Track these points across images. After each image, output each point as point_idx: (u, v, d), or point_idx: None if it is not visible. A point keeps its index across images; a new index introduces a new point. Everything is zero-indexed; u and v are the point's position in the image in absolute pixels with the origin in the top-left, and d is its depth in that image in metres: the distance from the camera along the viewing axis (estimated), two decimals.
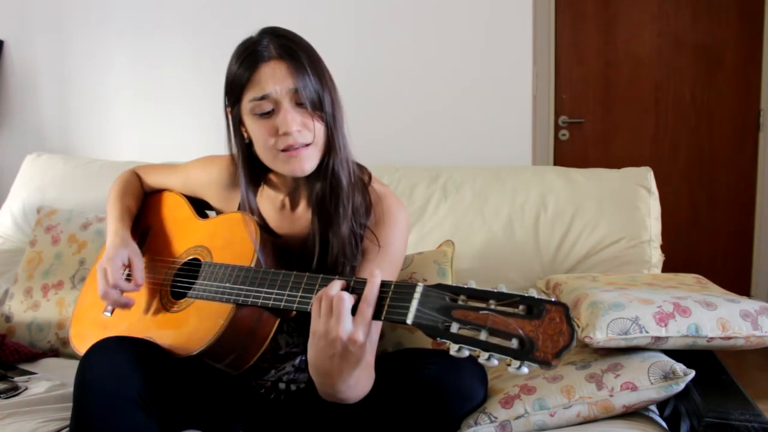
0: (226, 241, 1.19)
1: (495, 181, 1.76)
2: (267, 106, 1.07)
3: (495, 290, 0.81)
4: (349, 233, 1.12)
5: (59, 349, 1.68)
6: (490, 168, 1.83)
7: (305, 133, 1.08)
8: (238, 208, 1.27)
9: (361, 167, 1.23)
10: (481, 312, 0.80)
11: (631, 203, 1.64)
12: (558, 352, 0.74)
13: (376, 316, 0.90)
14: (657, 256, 1.62)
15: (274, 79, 1.06)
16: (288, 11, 2.37)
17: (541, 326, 0.76)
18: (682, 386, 1.11)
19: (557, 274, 1.62)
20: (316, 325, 0.92)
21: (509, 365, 0.76)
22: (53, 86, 2.75)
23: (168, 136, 2.64)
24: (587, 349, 1.26)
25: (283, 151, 1.08)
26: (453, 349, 0.79)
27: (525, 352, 0.76)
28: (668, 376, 1.11)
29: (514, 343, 0.76)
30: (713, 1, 2.74)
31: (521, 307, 0.78)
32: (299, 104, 1.07)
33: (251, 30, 1.13)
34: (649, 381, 1.11)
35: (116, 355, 1.03)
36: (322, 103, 1.07)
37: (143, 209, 1.41)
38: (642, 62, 2.79)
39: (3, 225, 2.11)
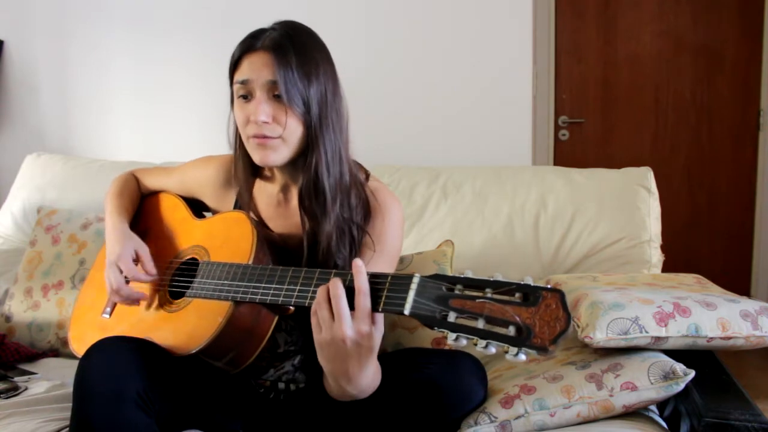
0: (224, 240, 1.20)
1: (495, 181, 1.76)
2: (245, 91, 1.10)
3: (491, 279, 0.81)
4: (336, 231, 1.12)
5: (59, 349, 1.68)
6: (490, 168, 1.83)
7: (274, 127, 1.08)
8: (234, 207, 1.28)
9: (358, 166, 1.23)
10: (477, 300, 0.80)
11: (631, 203, 1.64)
12: (555, 337, 0.75)
13: (373, 308, 0.90)
14: (657, 256, 1.62)
15: (253, 67, 1.08)
16: (289, 12, 2.38)
17: (538, 313, 0.76)
18: (682, 386, 1.11)
19: (557, 274, 1.62)
20: (321, 335, 0.91)
21: (507, 352, 0.76)
22: (53, 86, 2.76)
23: (168, 136, 2.65)
24: (587, 349, 1.26)
25: (254, 137, 1.10)
26: (450, 337, 0.80)
27: (522, 339, 0.76)
28: (668, 376, 1.11)
29: (511, 331, 0.77)
30: (713, 1, 2.73)
31: (517, 294, 0.79)
32: (276, 96, 1.07)
33: (251, 30, 1.13)
34: (649, 381, 1.11)
35: (116, 355, 1.03)
36: (303, 100, 1.07)
37: (140, 211, 1.42)
38: (642, 62, 2.79)
39: (3, 225, 2.11)
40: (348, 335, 0.89)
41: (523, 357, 0.76)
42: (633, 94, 2.81)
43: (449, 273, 1.44)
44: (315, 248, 1.13)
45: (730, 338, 1.16)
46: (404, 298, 0.86)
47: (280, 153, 1.10)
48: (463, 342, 0.79)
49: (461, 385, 1.10)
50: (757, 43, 2.75)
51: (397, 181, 1.83)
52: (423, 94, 2.41)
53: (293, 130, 1.09)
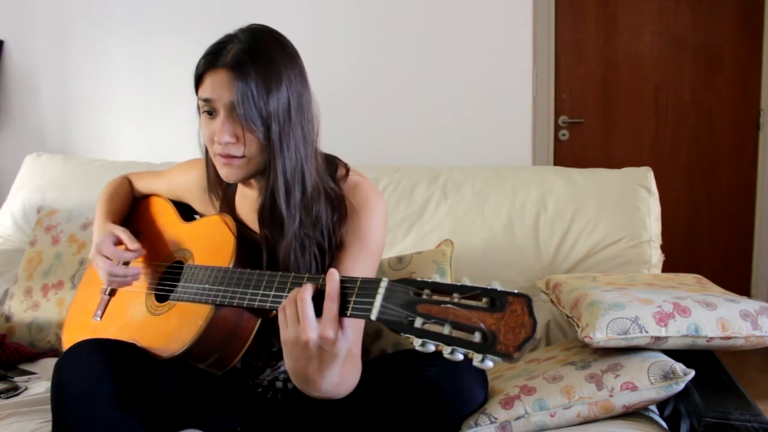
0: (207, 243, 1.21)
1: (495, 181, 1.76)
2: (209, 107, 1.08)
3: (458, 284, 0.80)
4: (294, 246, 1.10)
5: (59, 349, 1.68)
6: (490, 168, 1.83)
7: (237, 147, 1.06)
8: (219, 210, 1.28)
9: (335, 165, 1.20)
10: (443, 306, 0.79)
11: (631, 203, 1.64)
12: (519, 344, 0.73)
13: (342, 312, 0.89)
14: (657, 256, 1.62)
15: (214, 87, 1.05)
16: (290, 11, 2.38)
17: (503, 319, 0.75)
18: (682, 386, 1.11)
19: (557, 274, 1.62)
20: (286, 333, 0.91)
21: (472, 359, 0.75)
22: (53, 86, 2.76)
23: (168, 136, 2.64)
24: (587, 349, 1.26)
25: (219, 155, 1.09)
26: (417, 343, 0.79)
27: (487, 345, 0.74)
28: (668, 376, 1.11)
29: (476, 337, 0.75)
30: (713, 1, 2.74)
31: (484, 299, 0.77)
32: (238, 115, 1.05)
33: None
34: (649, 381, 1.11)
35: (89, 357, 1.04)
36: (262, 119, 1.04)
37: (133, 214, 1.43)
38: (642, 62, 2.79)
39: (3, 225, 2.11)
40: (311, 338, 0.87)
41: (489, 364, 0.74)
42: (633, 94, 2.81)
43: (448, 272, 1.45)
44: (274, 265, 1.12)
45: (729, 338, 1.16)
46: (371, 303, 0.84)
47: (244, 170, 1.09)
48: (431, 347, 0.78)
49: (462, 387, 1.10)
50: (757, 43, 2.75)
51: (397, 181, 1.83)
52: (423, 94, 2.41)
53: (254, 149, 1.07)
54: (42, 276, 1.76)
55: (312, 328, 0.87)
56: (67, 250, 1.78)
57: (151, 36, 2.61)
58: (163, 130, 2.66)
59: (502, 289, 0.77)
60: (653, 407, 1.22)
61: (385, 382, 1.08)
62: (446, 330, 0.77)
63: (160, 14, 2.59)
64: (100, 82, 2.70)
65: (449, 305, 0.78)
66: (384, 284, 0.85)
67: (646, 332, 1.15)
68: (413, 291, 0.82)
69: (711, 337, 1.16)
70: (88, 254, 1.75)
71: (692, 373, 1.11)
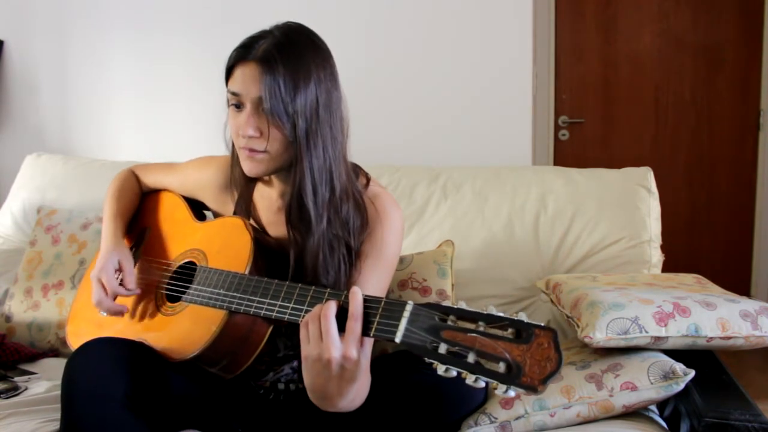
0: (222, 245, 1.19)
1: (495, 181, 1.76)
2: (236, 101, 1.08)
3: (485, 312, 0.80)
4: (324, 249, 1.10)
5: (59, 349, 1.68)
6: (490, 168, 1.83)
7: (260, 141, 1.06)
8: (235, 210, 1.27)
9: (357, 171, 1.20)
10: (469, 334, 0.79)
11: (631, 203, 1.64)
12: (545, 378, 0.74)
13: (364, 332, 0.88)
14: (657, 256, 1.62)
15: (244, 80, 1.05)
16: (290, 11, 2.38)
17: (529, 351, 0.75)
18: (682, 386, 1.11)
19: (557, 274, 1.62)
20: (308, 350, 0.90)
21: (496, 389, 0.76)
22: (53, 86, 2.75)
23: (168, 136, 2.65)
24: (587, 349, 1.26)
25: (243, 149, 1.09)
26: (440, 369, 0.79)
27: (512, 376, 0.75)
28: (668, 376, 1.11)
29: (501, 367, 0.76)
30: (713, 1, 2.74)
31: (510, 330, 0.77)
32: (264, 109, 1.05)
33: (251, 29, 1.12)
34: (648, 381, 1.11)
35: (101, 357, 1.04)
36: (288, 115, 1.03)
37: (141, 209, 1.41)
38: (642, 62, 2.79)
39: (3, 225, 2.11)
40: (334, 356, 0.87)
41: (512, 394, 0.75)
42: (633, 94, 2.81)
43: (449, 273, 1.45)
44: (302, 265, 1.11)
45: (729, 338, 1.16)
46: (396, 326, 0.84)
47: (267, 165, 1.09)
48: (454, 373, 0.78)
49: (462, 387, 1.09)
50: (757, 43, 2.75)
51: (397, 181, 1.83)
52: (423, 94, 2.41)
53: (278, 145, 1.07)
54: (42, 276, 1.76)
55: (335, 347, 0.87)
56: (67, 250, 1.78)
57: (151, 36, 2.61)
58: (163, 130, 2.66)
59: (529, 321, 0.77)
60: (653, 407, 1.22)
61: (385, 381, 1.08)
62: (471, 358, 0.77)
63: (160, 14, 2.59)
64: (100, 82, 2.70)
65: (475, 333, 0.78)
66: (409, 307, 0.85)
67: (646, 332, 1.15)
68: (438, 316, 0.82)
69: (711, 337, 1.16)
70: (88, 254, 1.75)
71: (692, 373, 1.11)
